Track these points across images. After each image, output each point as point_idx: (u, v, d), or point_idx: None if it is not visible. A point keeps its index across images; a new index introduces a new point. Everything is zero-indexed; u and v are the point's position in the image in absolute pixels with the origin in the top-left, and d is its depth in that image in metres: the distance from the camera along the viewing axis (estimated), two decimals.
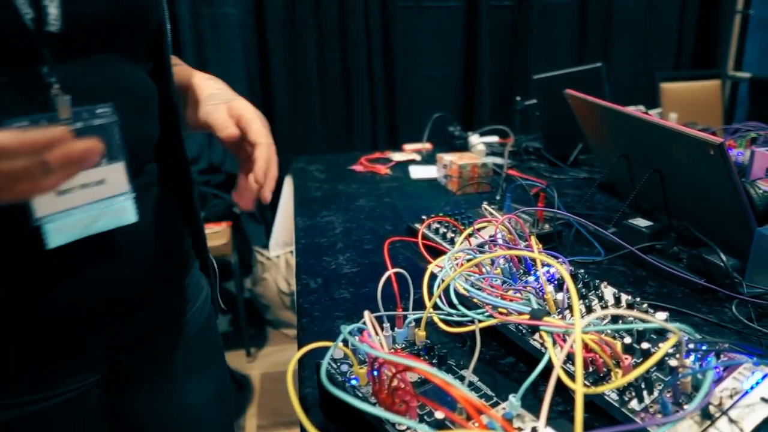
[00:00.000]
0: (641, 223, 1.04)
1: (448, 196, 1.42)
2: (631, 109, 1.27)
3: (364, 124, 2.51)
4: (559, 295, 0.70)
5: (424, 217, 1.13)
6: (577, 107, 1.39)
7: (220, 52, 2.39)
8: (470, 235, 0.84)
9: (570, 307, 0.69)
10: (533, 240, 0.76)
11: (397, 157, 1.76)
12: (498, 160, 1.62)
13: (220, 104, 0.77)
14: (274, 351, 2.47)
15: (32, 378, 0.69)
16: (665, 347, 0.48)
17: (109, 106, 0.63)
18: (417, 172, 1.60)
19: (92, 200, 0.63)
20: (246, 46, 2.40)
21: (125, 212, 0.65)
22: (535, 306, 0.62)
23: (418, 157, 1.76)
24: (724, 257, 0.87)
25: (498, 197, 1.34)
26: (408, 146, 1.86)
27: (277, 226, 2.21)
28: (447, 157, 1.47)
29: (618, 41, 2.65)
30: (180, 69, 0.86)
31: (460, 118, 2.57)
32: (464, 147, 1.77)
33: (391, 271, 0.68)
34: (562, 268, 0.63)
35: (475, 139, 1.78)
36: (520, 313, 0.62)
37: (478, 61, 2.54)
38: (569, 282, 0.54)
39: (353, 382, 0.59)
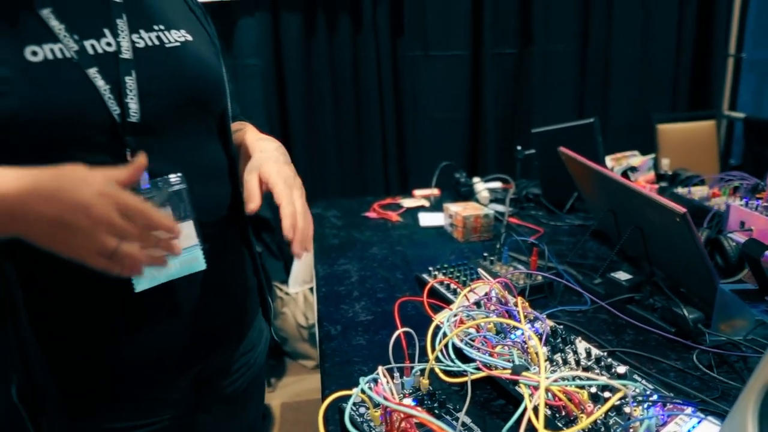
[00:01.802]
0: (622, 276, 1.17)
1: (454, 244, 1.57)
2: (614, 173, 1.42)
3: (376, 166, 2.67)
4: (543, 349, 0.84)
5: (430, 268, 1.28)
6: (570, 164, 1.54)
7: (243, 100, 2.57)
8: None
9: (549, 360, 0.83)
10: (519, 300, 0.90)
11: (407, 203, 1.91)
12: (500, 208, 1.77)
13: (253, 172, 0.87)
14: (293, 381, 2.61)
15: (134, 408, 0.85)
16: (612, 400, 0.62)
17: (179, 175, 0.80)
18: (425, 219, 1.75)
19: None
20: (266, 94, 2.58)
21: (196, 261, 0.81)
22: (517, 361, 0.76)
23: (427, 203, 1.91)
24: (685, 312, 1.01)
25: (498, 246, 1.48)
26: (418, 192, 2.01)
27: (296, 265, 2.36)
28: (453, 208, 1.62)
29: (616, 86, 2.81)
30: (239, 134, 0.99)
31: (466, 160, 2.72)
32: (470, 193, 1.92)
33: (400, 330, 0.82)
34: (531, 333, 0.77)
35: (479, 186, 1.93)
36: (504, 368, 0.76)
37: (483, 106, 2.70)
38: (537, 346, 0.69)
39: (370, 423, 0.73)
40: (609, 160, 2.07)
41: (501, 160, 2.69)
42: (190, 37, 0.86)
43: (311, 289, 2.55)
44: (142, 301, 0.79)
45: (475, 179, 1.99)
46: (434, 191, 2.00)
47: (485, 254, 1.34)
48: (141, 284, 0.76)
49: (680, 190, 1.77)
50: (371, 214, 1.83)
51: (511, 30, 2.71)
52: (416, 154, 2.72)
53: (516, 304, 0.91)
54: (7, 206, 0.61)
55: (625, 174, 1.73)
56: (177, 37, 0.84)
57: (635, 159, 2.11)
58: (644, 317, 1.08)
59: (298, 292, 2.55)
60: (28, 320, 0.75)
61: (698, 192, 1.73)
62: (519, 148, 1.94)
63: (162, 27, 0.83)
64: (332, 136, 2.65)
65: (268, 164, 0.87)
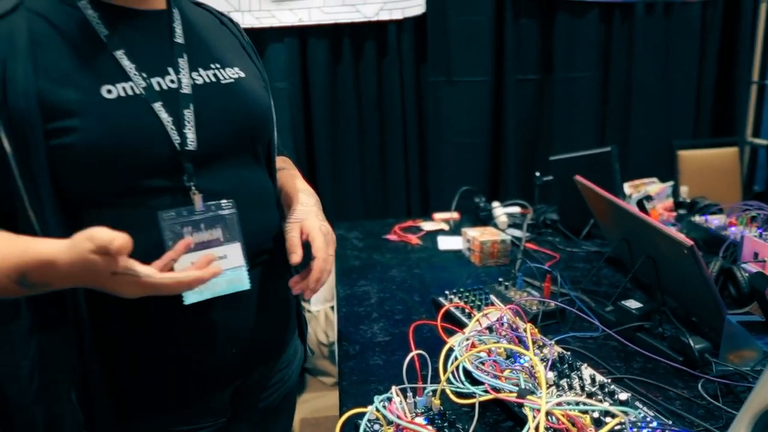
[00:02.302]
0: (632, 305, 1.20)
1: (471, 268, 1.61)
2: (627, 204, 1.45)
3: (398, 189, 2.73)
4: (550, 374, 0.88)
5: (447, 292, 1.33)
6: (586, 192, 1.58)
7: None
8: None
9: (555, 384, 0.87)
10: (528, 326, 0.95)
11: (427, 226, 1.96)
12: (517, 233, 1.81)
13: (296, 223, 0.97)
14: (313, 398, 2.66)
15: (178, 415, 0.93)
16: (609, 425, 0.66)
17: (231, 201, 0.88)
18: (444, 243, 1.80)
19: None
20: (294, 116, 2.67)
21: (241, 281, 0.88)
22: (523, 385, 0.81)
23: (446, 227, 1.96)
24: (692, 341, 1.04)
25: (514, 271, 1.53)
26: (438, 215, 2.06)
27: None
28: (470, 233, 1.67)
29: (637, 112, 2.83)
30: (284, 174, 1.10)
31: (487, 184, 2.77)
32: (488, 217, 1.97)
33: (413, 353, 0.87)
34: (536, 360, 0.81)
35: (498, 210, 1.97)
36: (511, 391, 0.80)
37: (504, 131, 2.75)
38: (540, 372, 0.73)
39: None
40: (627, 187, 2.10)
41: (522, 185, 2.73)
42: (242, 74, 0.96)
43: (332, 308, 2.60)
44: (192, 317, 0.87)
45: (495, 204, 2.04)
46: (454, 215, 2.05)
47: (500, 279, 1.39)
48: (189, 298, 0.84)
49: (697, 218, 1.79)
50: (392, 237, 1.89)
51: (532, 57, 2.77)
52: (438, 177, 2.78)
53: (526, 330, 0.96)
54: (60, 272, 0.73)
55: (640, 203, 1.76)
56: (231, 74, 0.94)
57: (654, 186, 2.14)
58: (653, 345, 1.12)
59: (320, 310, 2.61)
60: (90, 332, 0.84)
61: (715, 220, 1.75)
62: (537, 174, 1.99)
63: (218, 65, 0.94)
64: (356, 159, 2.72)
65: (311, 219, 0.99)
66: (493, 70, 2.73)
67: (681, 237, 1.09)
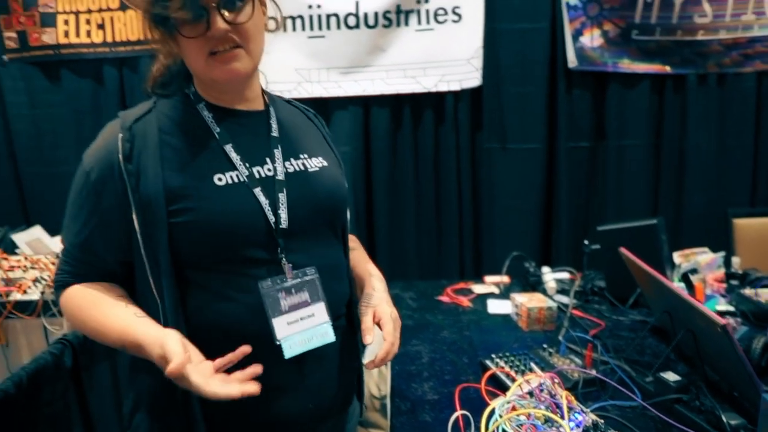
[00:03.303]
0: (671, 377, 1.26)
1: (518, 332, 1.70)
2: (666, 279, 1.52)
3: (452, 251, 2.85)
4: None
5: (493, 355, 1.42)
6: (630, 264, 1.66)
7: None
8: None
9: None
10: (565, 394, 1.04)
11: (478, 289, 2.06)
12: (565, 299, 1.89)
13: (369, 309, 1.12)
14: None
15: None
16: None
17: (314, 268, 1.05)
18: (494, 306, 1.90)
19: (307, 327, 1.02)
20: (355, 179, 2.85)
21: (327, 335, 1.04)
22: None
23: (496, 290, 2.06)
24: (725, 417, 1.10)
25: (559, 337, 1.61)
26: (489, 278, 2.16)
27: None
28: (519, 298, 1.76)
29: (691, 180, 2.85)
30: (356, 253, 1.26)
31: (538, 248, 2.84)
32: (538, 283, 2.05)
33: (458, 413, 0.98)
34: (566, 426, 0.91)
35: (548, 276, 2.06)
36: None
37: (556, 197, 2.84)
38: None
39: None
40: (677, 256, 2.14)
41: (573, 250, 2.78)
42: (325, 163, 1.14)
43: (386, 366, 2.70)
44: (285, 371, 1.00)
45: (545, 269, 2.12)
46: (504, 278, 2.14)
47: (544, 345, 1.47)
48: (288, 352, 0.99)
49: (748, 290, 1.82)
50: (444, 298, 2.00)
51: (585, 125, 2.86)
52: (490, 240, 2.88)
53: (563, 397, 1.05)
54: (145, 354, 0.91)
55: (686, 275, 1.81)
56: (316, 163, 1.12)
57: (704, 256, 2.17)
58: (690, 419, 1.17)
59: None
60: None
61: (766, 294, 1.77)
62: (586, 242, 2.07)
63: (306, 155, 1.12)
64: (413, 220, 2.86)
65: (383, 306, 1.13)
66: (545, 138, 2.84)
67: (714, 316, 1.16)
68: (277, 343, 0.98)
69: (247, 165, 1.03)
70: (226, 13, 0.95)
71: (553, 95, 2.82)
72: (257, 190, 1.01)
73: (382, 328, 1.09)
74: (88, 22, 2.72)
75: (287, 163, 1.08)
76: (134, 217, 0.97)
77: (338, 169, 1.18)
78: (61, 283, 1.07)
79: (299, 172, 1.09)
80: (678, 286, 1.82)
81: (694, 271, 1.84)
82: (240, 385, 0.88)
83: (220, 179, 1.00)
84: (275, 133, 1.10)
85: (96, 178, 0.99)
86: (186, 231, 0.97)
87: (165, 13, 0.93)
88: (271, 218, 1.01)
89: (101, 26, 2.72)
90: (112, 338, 0.98)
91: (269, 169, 1.05)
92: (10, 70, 2.80)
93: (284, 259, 1.02)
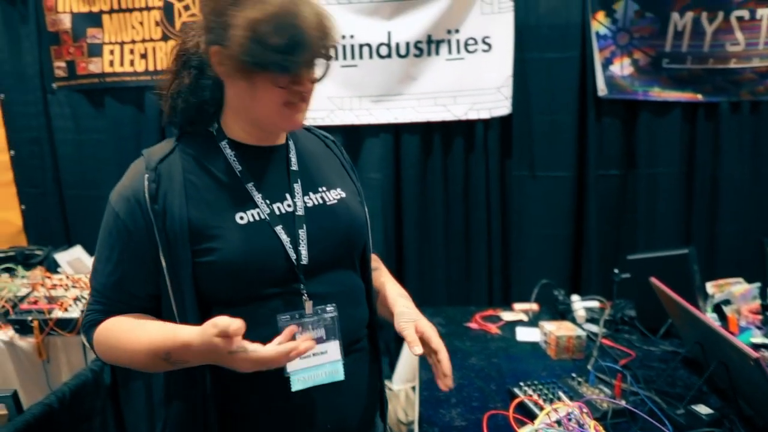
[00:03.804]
0: (703, 410, 1.25)
1: (547, 360, 1.70)
2: (697, 310, 1.50)
3: (481, 278, 2.85)
4: None
5: (521, 383, 1.43)
6: (661, 293, 1.65)
7: None
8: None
9: None
10: (593, 423, 1.04)
11: (506, 316, 2.07)
12: (594, 328, 1.88)
13: (410, 323, 1.13)
14: None
15: None
16: None
17: (333, 305, 1.07)
18: (522, 334, 1.90)
19: (319, 363, 1.05)
20: (384, 205, 2.89)
21: (338, 373, 1.06)
22: None
23: (525, 318, 2.06)
24: None
25: (588, 366, 1.60)
26: (517, 306, 2.16)
27: (401, 363, 2.55)
28: (547, 326, 1.76)
29: (725, 209, 2.80)
30: (378, 274, 1.28)
31: (568, 276, 2.82)
32: (567, 311, 2.05)
33: None
34: None
35: (577, 305, 2.05)
36: None
37: (586, 225, 2.82)
38: None
39: None
40: (710, 287, 2.11)
41: (603, 279, 2.75)
42: (344, 194, 1.16)
43: (413, 388, 2.70)
44: (294, 403, 1.03)
45: (574, 297, 2.12)
46: (533, 306, 2.14)
47: (573, 374, 1.47)
48: (296, 385, 1.02)
49: None
50: (473, 325, 2.00)
51: (615, 153, 2.85)
52: (519, 267, 2.87)
53: (591, 427, 1.05)
54: (194, 352, 0.93)
55: (718, 306, 1.79)
56: (335, 195, 1.14)
57: (739, 287, 2.14)
58: None
59: (401, 389, 2.72)
60: (214, 407, 1.02)
61: None
62: (616, 271, 2.06)
63: (324, 188, 1.14)
64: (442, 247, 2.88)
65: (422, 321, 1.14)
66: (575, 166, 2.84)
67: (747, 348, 1.15)
68: (286, 375, 1.01)
69: (268, 202, 1.05)
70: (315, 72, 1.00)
71: (582, 123, 2.82)
72: (278, 228, 1.04)
73: (428, 340, 1.10)
74: (131, 51, 2.85)
75: (306, 198, 1.10)
76: (161, 255, 1.00)
77: (356, 197, 1.20)
78: (92, 323, 1.08)
79: (318, 206, 1.11)
80: (710, 317, 1.79)
81: (727, 302, 1.81)
82: (293, 343, 0.92)
83: (242, 218, 1.02)
84: (295, 167, 1.12)
85: (125, 218, 1.02)
86: (210, 271, 1.00)
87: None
88: (293, 255, 1.04)
89: (144, 56, 2.85)
90: (156, 353, 0.98)
91: (289, 205, 1.07)
92: (58, 98, 2.94)
93: (305, 294, 1.05)
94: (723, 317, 1.78)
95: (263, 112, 1.02)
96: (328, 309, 1.06)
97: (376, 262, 1.33)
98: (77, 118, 2.95)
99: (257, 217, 1.03)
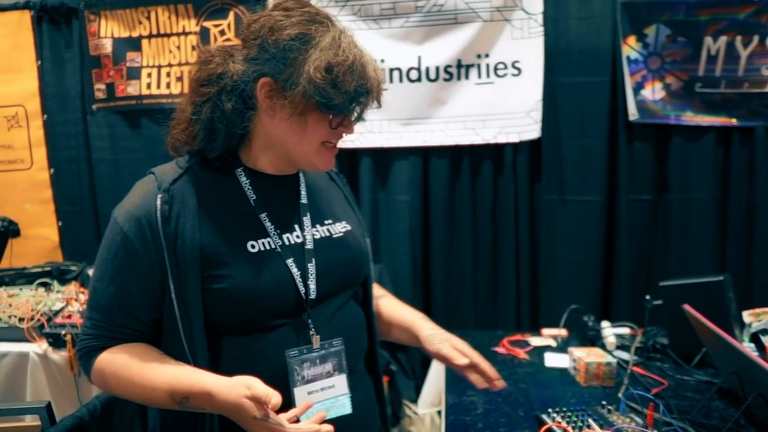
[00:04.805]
0: None
1: (576, 387, 1.67)
2: (734, 340, 1.46)
3: (509, 302, 2.82)
4: None
5: (550, 410, 1.40)
6: (694, 322, 1.61)
7: (392, 231, 2.91)
8: None
9: None
10: None
11: (534, 341, 2.04)
12: (625, 356, 1.84)
13: (444, 342, 1.17)
14: None
15: None
16: None
17: (340, 339, 1.07)
18: (551, 360, 1.87)
19: (326, 398, 1.04)
20: (412, 227, 2.89)
21: (344, 407, 1.07)
22: None
23: (553, 343, 2.02)
24: None
25: (619, 394, 1.56)
26: (546, 331, 2.13)
27: (426, 388, 2.52)
28: (576, 353, 1.73)
29: (761, 234, 2.73)
30: (388, 301, 1.30)
31: (598, 302, 2.77)
32: (596, 337, 2.01)
33: None
34: None
35: (607, 331, 2.01)
36: None
37: (616, 250, 2.78)
38: None
39: None
40: (747, 315, 2.05)
41: (634, 305, 2.70)
42: (348, 227, 1.17)
43: (438, 412, 2.67)
44: None
45: (604, 323, 2.07)
46: (562, 332, 2.11)
47: (603, 402, 1.44)
48: (304, 420, 1.00)
49: None
50: (500, 350, 1.98)
51: (646, 177, 2.81)
52: (548, 292, 2.83)
53: None
54: (215, 404, 0.93)
55: (756, 336, 1.74)
56: (340, 228, 1.16)
57: None
58: None
59: (426, 413, 2.68)
60: None
61: None
62: (648, 297, 2.02)
63: (330, 221, 1.15)
64: (470, 270, 2.86)
65: (454, 339, 1.19)
66: (605, 190, 2.81)
67: None
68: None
69: (278, 232, 1.06)
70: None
71: (613, 147, 2.80)
72: (289, 261, 1.04)
73: (469, 357, 1.14)
74: (168, 74, 2.94)
75: (314, 230, 1.11)
76: (170, 279, 0.98)
77: (359, 229, 1.21)
78: (90, 349, 1.03)
79: (325, 239, 1.12)
80: (747, 347, 1.74)
81: (765, 331, 1.76)
82: (317, 427, 0.92)
83: (253, 246, 1.02)
84: (304, 200, 1.13)
85: (134, 238, 0.98)
86: (219, 298, 0.99)
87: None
88: (301, 289, 1.04)
89: (180, 79, 2.93)
90: (171, 394, 0.96)
91: (298, 236, 1.08)
92: (97, 118, 3.04)
93: (312, 329, 1.05)
94: (761, 347, 1.73)
95: (303, 149, 1.04)
96: (335, 343, 1.07)
97: (380, 290, 1.34)
98: (114, 139, 3.05)
99: (267, 246, 1.04)
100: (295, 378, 1.02)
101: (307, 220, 1.10)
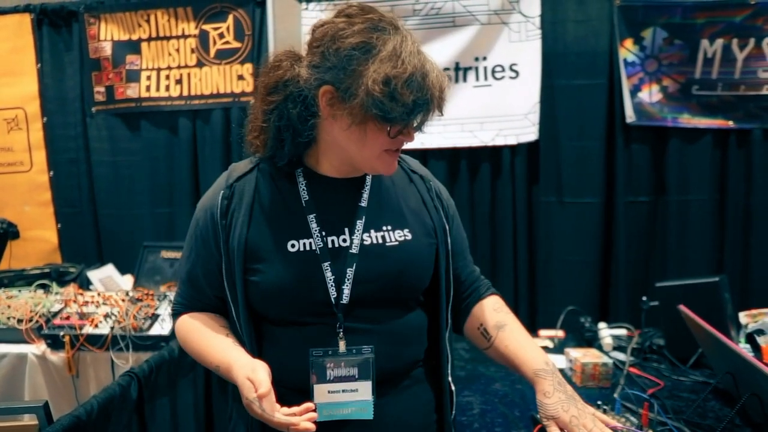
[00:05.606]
0: None
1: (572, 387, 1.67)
2: (729, 340, 1.47)
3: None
4: None
5: None
6: (690, 322, 1.61)
7: None
8: None
9: None
10: None
11: None
12: (621, 356, 1.84)
13: (550, 421, 1.09)
14: None
15: None
16: None
17: (371, 347, 1.06)
18: None
19: (348, 400, 1.06)
20: None
21: (366, 411, 1.07)
22: None
23: (551, 344, 2.03)
24: None
25: (615, 395, 1.57)
26: (543, 332, 2.14)
27: None
28: (573, 353, 1.74)
29: (758, 236, 2.74)
30: (507, 335, 1.19)
31: (595, 303, 2.78)
32: (593, 338, 2.01)
33: None
34: None
35: (604, 332, 2.02)
36: None
37: (614, 252, 2.79)
38: None
39: None
40: (743, 316, 2.05)
41: (631, 307, 2.70)
42: (409, 236, 1.11)
43: None
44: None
45: (601, 325, 2.08)
46: (559, 333, 2.12)
47: (599, 402, 1.44)
48: (320, 416, 1.01)
49: None
50: None
51: (644, 179, 2.82)
52: (545, 294, 2.84)
53: None
54: (231, 374, 1.02)
55: (751, 336, 1.74)
56: (398, 236, 1.10)
57: None
58: None
59: None
60: None
61: None
62: (644, 298, 2.02)
63: (389, 227, 1.11)
64: None
65: (563, 416, 1.10)
66: (603, 192, 2.82)
67: None
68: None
69: (324, 234, 1.07)
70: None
71: (611, 149, 2.81)
72: (325, 265, 1.06)
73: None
74: (167, 77, 2.95)
75: (366, 235, 1.09)
76: (222, 265, 1.09)
77: (426, 239, 1.13)
78: (175, 311, 1.22)
79: (375, 245, 1.09)
80: (743, 347, 1.75)
81: (760, 332, 1.76)
82: (299, 418, 0.95)
83: (293, 246, 1.07)
84: (364, 204, 1.11)
85: (202, 226, 1.13)
86: (255, 290, 1.07)
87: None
88: (333, 293, 1.06)
89: (179, 81, 2.94)
90: (211, 360, 1.10)
91: (344, 240, 1.08)
92: (96, 121, 3.05)
93: (341, 333, 1.06)
94: (756, 348, 1.73)
95: (365, 156, 1.05)
96: (364, 350, 1.06)
97: (503, 316, 1.24)
98: (113, 141, 3.06)
99: (308, 247, 1.07)
100: (317, 376, 1.05)
101: (360, 224, 1.09)
